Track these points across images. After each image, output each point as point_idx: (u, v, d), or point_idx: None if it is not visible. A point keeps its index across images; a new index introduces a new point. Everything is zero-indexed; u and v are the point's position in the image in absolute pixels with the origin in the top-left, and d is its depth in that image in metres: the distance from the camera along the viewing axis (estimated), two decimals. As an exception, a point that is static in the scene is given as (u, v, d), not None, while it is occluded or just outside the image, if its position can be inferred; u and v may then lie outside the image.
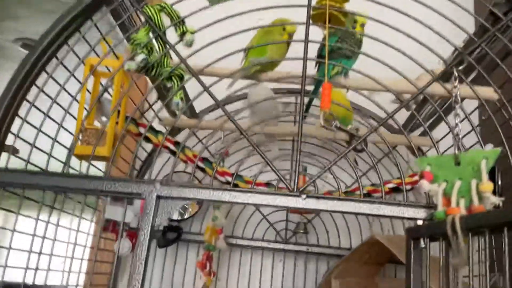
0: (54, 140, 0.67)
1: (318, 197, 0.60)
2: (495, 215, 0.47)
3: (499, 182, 0.61)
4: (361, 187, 0.64)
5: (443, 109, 1.03)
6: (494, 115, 0.68)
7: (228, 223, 1.17)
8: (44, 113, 0.68)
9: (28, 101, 0.69)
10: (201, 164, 0.89)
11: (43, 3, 2.10)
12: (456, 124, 0.60)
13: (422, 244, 0.58)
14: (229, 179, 0.90)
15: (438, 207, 0.56)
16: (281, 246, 1.20)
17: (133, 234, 1.11)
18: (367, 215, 0.60)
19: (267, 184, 0.90)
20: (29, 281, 0.66)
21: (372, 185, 0.96)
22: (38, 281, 0.68)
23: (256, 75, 0.81)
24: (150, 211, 0.60)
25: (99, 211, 1.17)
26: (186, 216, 1.21)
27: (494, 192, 0.55)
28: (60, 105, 0.73)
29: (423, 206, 0.59)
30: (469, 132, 0.99)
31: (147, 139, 0.87)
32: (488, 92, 0.77)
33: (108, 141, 0.74)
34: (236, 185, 0.90)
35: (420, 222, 0.59)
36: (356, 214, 0.60)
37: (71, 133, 0.80)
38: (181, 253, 1.23)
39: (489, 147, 0.68)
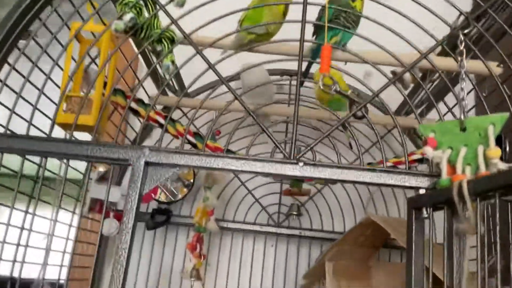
0: (35, 107, 0.64)
1: (316, 165, 0.57)
2: (506, 176, 0.44)
3: (507, 149, 0.58)
4: (361, 160, 0.61)
5: (437, 91, 1.01)
6: (495, 91, 0.66)
7: (219, 206, 1.14)
8: (24, 76, 0.64)
9: (9, 63, 0.65)
10: (192, 139, 0.85)
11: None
12: (462, 89, 0.57)
13: (425, 214, 0.55)
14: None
15: (442, 174, 0.53)
16: (274, 229, 1.17)
17: (120, 216, 1.08)
18: (367, 184, 0.57)
19: (261, 161, 0.87)
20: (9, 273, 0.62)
21: (369, 163, 0.93)
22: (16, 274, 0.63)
23: (251, 44, 0.77)
24: (138, 179, 0.57)
25: (80, 202, 1.12)
26: (176, 198, 1.18)
27: (501, 159, 0.52)
28: (42, 71, 0.69)
29: (426, 174, 0.56)
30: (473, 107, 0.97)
31: (136, 112, 0.83)
32: (491, 66, 0.74)
33: (94, 110, 0.70)
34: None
35: (422, 192, 0.56)
36: (356, 183, 0.57)
37: (54, 102, 0.77)
38: (170, 236, 1.19)
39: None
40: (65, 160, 0.60)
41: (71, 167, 0.63)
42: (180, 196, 1.16)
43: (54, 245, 0.80)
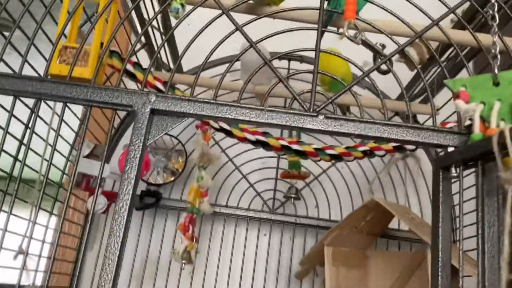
0: (31, 42, 0.58)
1: (337, 118, 0.52)
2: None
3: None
4: (386, 114, 0.57)
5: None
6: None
7: (211, 191, 1.08)
8: (14, 20, 0.58)
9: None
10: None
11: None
12: (494, 43, 0.54)
13: (454, 172, 0.51)
14: (223, 125, 0.82)
15: (475, 129, 0.50)
16: (268, 216, 1.12)
17: (108, 194, 1.01)
18: (391, 140, 0.53)
19: (264, 133, 0.82)
20: None
21: (375, 142, 0.89)
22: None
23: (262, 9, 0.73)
24: (142, 126, 0.51)
25: (61, 202, 1.05)
26: (165, 181, 1.12)
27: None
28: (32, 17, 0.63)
29: (455, 132, 0.52)
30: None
31: (133, 76, 0.78)
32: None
33: (91, 62, 0.65)
34: (230, 132, 0.82)
35: (451, 150, 0.52)
36: (379, 139, 0.53)
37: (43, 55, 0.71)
38: (159, 220, 1.13)
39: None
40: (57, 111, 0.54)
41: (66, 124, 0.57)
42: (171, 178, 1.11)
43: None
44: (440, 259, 0.51)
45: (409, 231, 1.12)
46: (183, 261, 0.94)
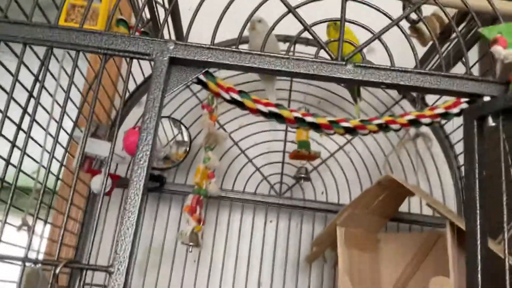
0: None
1: (367, 67, 0.49)
2: None
3: None
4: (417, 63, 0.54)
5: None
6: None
7: (216, 176, 1.04)
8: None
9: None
10: (203, 78, 0.77)
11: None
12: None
13: (491, 122, 0.48)
14: (234, 95, 0.79)
15: (515, 77, 0.47)
16: (275, 200, 1.08)
17: (113, 176, 0.98)
18: (424, 90, 0.50)
19: (277, 105, 0.79)
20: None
21: (391, 115, 0.86)
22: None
23: None
24: (161, 75, 0.48)
25: (56, 210, 1.01)
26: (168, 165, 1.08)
27: None
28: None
29: (491, 81, 0.50)
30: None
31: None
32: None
33: (100, 21, 0.62)
34: (242, 104, 0.79)
35: (487, 99, 0.50)
36: (413, 89, 0.50)
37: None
38: (163, 205, 1.09)
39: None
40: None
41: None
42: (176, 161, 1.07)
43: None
44: (478, 235, 0.46)
45: (419, 215, 1.10)
46: (191, 243, 0.90)
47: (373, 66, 0.49)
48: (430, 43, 0.94)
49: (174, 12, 0.91)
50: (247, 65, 0.49)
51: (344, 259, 0.90)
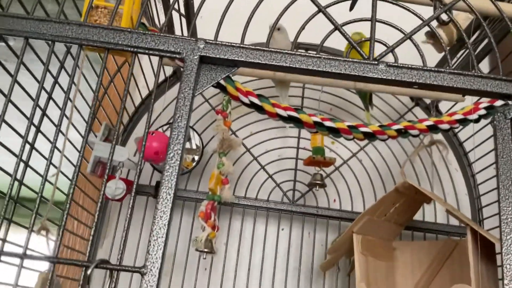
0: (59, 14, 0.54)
1: (399, 66, 0.49)
2: None
3: None
4: (449, 63, 0.53)
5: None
6: None
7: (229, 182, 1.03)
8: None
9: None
10: (222, 82, 0.76)
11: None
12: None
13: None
14: (254, 99, 0.78)
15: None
16: (289, 207, 1.07)
17: (126, 181, 0.96)
18: (456, 90, 0.49)
19: (296, 109, 0.78)
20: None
21: (409, 121, 0.85)
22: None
23: None
24: (191, 74, 0.47)
25: (66, 229, 0.99)
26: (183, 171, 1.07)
27: None
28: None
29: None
30: None
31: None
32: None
33: (124, 21, 0.61)
34: (261, 108, 0.78)
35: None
36: (445, 89, 0.49)
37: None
38: (174, 213, 1.08)
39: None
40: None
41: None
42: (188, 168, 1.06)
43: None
44: None
45: (434, 223, 1.09)
46: (206, 250, 0.89)
47: (406, 66, 0.49)
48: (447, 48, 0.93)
49: (189, 17, 0.90)
50: (278, 64, 0.49)
51: (361, 267, 0.89)
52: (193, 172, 1.09)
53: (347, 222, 1.05)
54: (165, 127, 1.06)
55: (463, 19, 0.91)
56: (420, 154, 1.12)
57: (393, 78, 0.48)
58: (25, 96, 0.60)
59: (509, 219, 0.46)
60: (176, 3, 0.91)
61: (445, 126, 0.84)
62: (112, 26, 0.49)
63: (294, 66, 0.49)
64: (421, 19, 0.51)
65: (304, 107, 1.16)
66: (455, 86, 0.49)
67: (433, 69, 0.49)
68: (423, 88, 0.49)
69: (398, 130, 0.81)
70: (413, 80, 0.49)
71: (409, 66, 0.49)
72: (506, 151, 0.48)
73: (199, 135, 1.08)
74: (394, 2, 0.52)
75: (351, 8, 0.60)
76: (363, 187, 1.11)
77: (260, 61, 0.48)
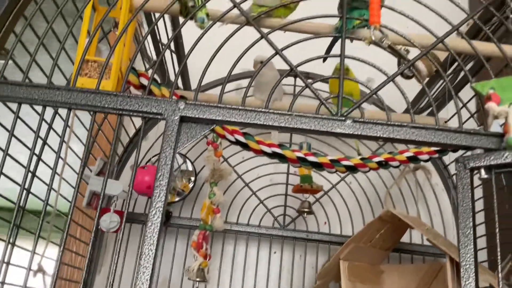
0: (56, 59, 0.58)
1: (365, 122, 0.53)
2: None
3: None
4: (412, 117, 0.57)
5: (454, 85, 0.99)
6: None
7: (221, 209, 1.07)
8: (38, 37, 0.58)
9: (25, 17, 0.59)
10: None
11: None
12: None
13: (484, 175, 0.51)
14: (239, 138, 0.82)
15: (509, 132, 0.50)
16: (279, 232, 1.11)
17: (120, 212, 1.00)
18: (419, 143, 0.53)
19: (280, 146, 0.82)
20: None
21: (390, 153, 0.89)
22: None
23: (267, 21, 0.72)
24: (172, 134, 0.51)
25: (70, 235, 1.04)
26: (176, 199, 1.11)
27: None
28: (57, 37, 0.64)
29: (483, 133, 0.53)
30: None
31: (149, 92, 0.78)
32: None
33: (112, 76, 0.65)
34: (246, 145, 0.82)
35: (480, 152, 0.53)
36: (408, 142, 0.53)
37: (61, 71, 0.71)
38: (169, 239, 1.12)
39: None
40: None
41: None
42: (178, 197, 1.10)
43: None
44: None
45: (421, 245, 1.12)
46: (198, 279, 0.92)
47: (371, 121, 0.53)
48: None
49: (180, 55, 0.94)
50: (253, 122, 0.52)
51: (348, 292, 0.92)
52: (187, 199, 1.13)
53: (336, 246, 1.09)
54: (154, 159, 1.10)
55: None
56: (407, 176, 1.16)
57: (359, 133, 0.52)
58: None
59: (468, 266, 0.49)
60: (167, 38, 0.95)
61: (425, 157, 0.88)
62: (99, 90, 0.53)
63: (267, 124, 0.52)
64: (385, 75, 0.55)
65: (294, 133, 1.19)
66: (417, 139, 0.52)
67: (396, 123, 0.53)
68: (387, 141, 0.53)
69: (379, 163, 0.85)
70: (378, 135, 0.52)
71: (374, 121, 0.52)
72: (466, 200, 0.52)
73: (192, 162, 1.12)
74: (361, 59, 0.56)
75: (324, 60, 0.64)
76: (352, 210, 1.15)
77: (236, 120, 0.52)
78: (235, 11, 0.59)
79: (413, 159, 0.88)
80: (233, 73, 0.76)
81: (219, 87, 1.12)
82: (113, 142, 0.97)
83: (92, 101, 0.52)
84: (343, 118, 0.53)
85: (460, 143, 0.53)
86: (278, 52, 0.56)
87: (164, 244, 1.11)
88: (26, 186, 0.58)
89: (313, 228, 1.14)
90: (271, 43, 0.57)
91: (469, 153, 0.54)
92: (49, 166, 0.73)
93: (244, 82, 1.18)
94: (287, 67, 0.57)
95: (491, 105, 0.51)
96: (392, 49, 0.56)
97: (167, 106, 0.52)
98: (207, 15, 0.59)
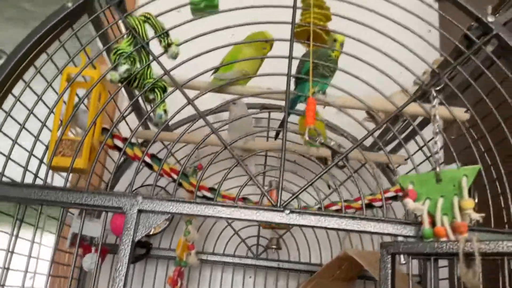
0: (31, 153, 0.65)
1: (301, 212, 0.60)
2: None
3: (476, 199, 0.63)
4: (343, 208, 0.65)
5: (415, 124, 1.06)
6: (462, 136, 0.71)
7: (199, 238, 1.15)
8: (20, 124, 0.65)
9: (4, 110, 0.66)
10: (176, 177, 0.88)
11: (5, 11, 2.07)
12: (436, 142, 0.62)
13: (403, 261, 0.59)
14: (206, 193, 0.90)
15: (425, 224, 0.58)
16: (252, 261, 1.19)
17: (102, 248, 1.08)
18: (349, 231, 0.60)
19: (244, 199, 0.90)
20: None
21: (346, 200, 0.97)
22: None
23: (230, 88, 0.80)
24: (131, 226, 0.59)
25: (66, 224, 1.12)
26: (154, 232, 1.19)
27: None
28: (37, 117, 0.70)
29: (403, 222, 0.60)
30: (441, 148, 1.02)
31: (124, 152, 0.85)
32: (458, 112, 0.80)
33: (84, 153, 0.72)
34: (213, 200, 0.89)
35: (400, 239, 0.60)
36: (339, 230, 0.60)
37: (44, 144, 0.78)
38: (149, 269, 1.20)
39: (453, 166, 0.69)
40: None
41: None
42: (161, 228, 1.18)
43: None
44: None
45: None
46: (174, 313, 1.01)
47: (306, 212, 0.60)
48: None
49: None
50: (203, 214, 0.60)
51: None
52: (166, 230, 1.20)
53: (306, 273, 1.17)
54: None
55: (399, 99, 1.02)
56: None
57: (295, 223, 0.60)
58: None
59: None
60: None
61: (379, 204, 0.95)
62: (68, 188, 0.60)
63: (215, 215, 0.60)
64: (321, 166, 0.62)
65: (268, 165, 1.26)
66: (345, 228, 0.60)
67: (328, 214, 0.60)
68: (321, 228, 0.60)
69: (336, 211, 0.93)
70: (312, 224, 0.60)
71: (309, 212, 0.60)
72: (386, 282, 0.59)
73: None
74: (301, 153, 0.63)
75: (276, 137, 0.71)
76: (320, 238, 1.22)
77: (188, 212, 0.60)
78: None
79: (369, 206, 0.96)
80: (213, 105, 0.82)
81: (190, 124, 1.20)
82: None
83: (61, 198, 0.59)
84: (282, 209, 0.60)
85: (385, 231, 0.60)
86: (189, 101, 0.63)
87: (144, 273, 1.19)
88: None
89: (285, 255, 1.22)
90: (194, 106, 0.64)
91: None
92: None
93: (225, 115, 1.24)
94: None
95: (407, 202, 0.58)
96: (325, 145, 0.63)
97: (126, 200, 0.60)
98: (165, 111, 0.66)
